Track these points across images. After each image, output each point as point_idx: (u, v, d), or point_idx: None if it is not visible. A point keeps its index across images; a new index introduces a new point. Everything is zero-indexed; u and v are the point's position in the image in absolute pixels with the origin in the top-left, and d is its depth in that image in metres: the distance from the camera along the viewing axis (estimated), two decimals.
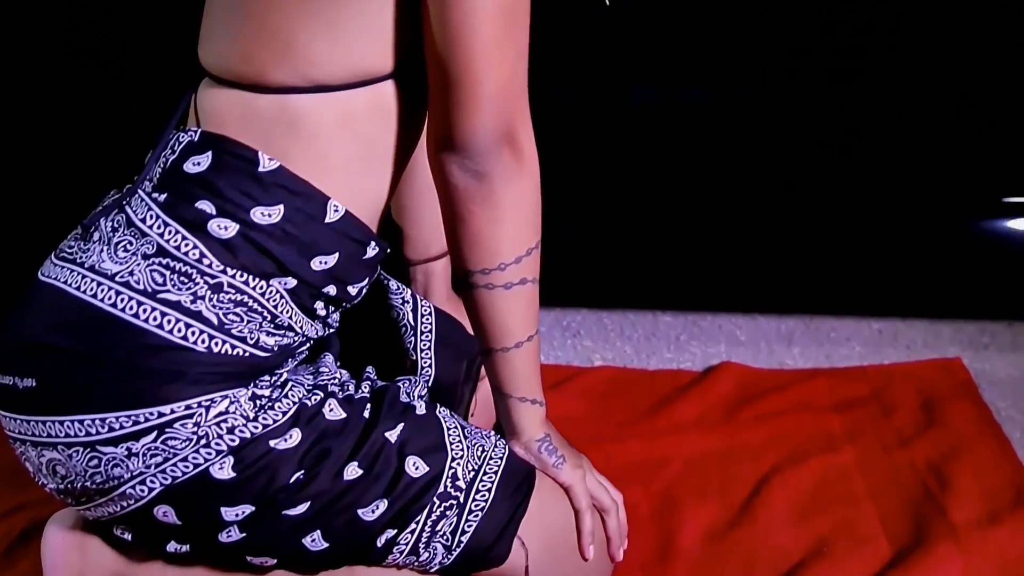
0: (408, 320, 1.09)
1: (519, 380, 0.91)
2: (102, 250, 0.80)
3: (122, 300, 0.77)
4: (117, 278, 0.78)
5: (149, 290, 0.77)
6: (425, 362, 1.05)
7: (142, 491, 0.79)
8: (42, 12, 1.60)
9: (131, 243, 0.79)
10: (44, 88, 1.63)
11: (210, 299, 0.78)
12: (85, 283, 0.79)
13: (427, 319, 1.09)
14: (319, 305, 0.83)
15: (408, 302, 1.09)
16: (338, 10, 0.76)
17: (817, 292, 1.58)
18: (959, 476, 1.14)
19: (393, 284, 1.13)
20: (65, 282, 0.80)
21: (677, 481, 1.18)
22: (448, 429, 0.89)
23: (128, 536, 0.84)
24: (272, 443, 0.80)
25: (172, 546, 0.83)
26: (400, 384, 0.91)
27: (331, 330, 0.87)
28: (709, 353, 1.50)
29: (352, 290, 0.85)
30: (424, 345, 1.08)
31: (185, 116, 0.85)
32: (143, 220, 0.79)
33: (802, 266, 1.58)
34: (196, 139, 0.81)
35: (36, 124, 1.64)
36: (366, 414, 0.86)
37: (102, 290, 0.78)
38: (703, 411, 1.33)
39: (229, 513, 0.80)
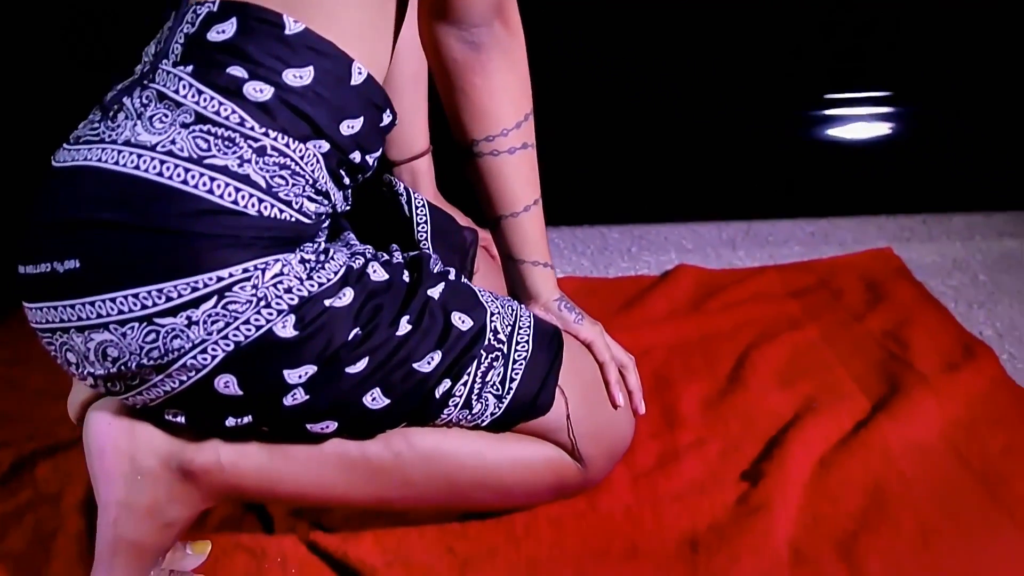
0: (404, 213, 1.11)
1: (530, 244, 0.96)
2: (135, 125, 0.79)
3: (167, 168, 0.77)
4: (159, 148, 0.77)
5: (195, 156, 0.77)
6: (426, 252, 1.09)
7: (204, 360, 0.78)
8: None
9: (166, 115, 0.79)
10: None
11: (256, 162, 0.78)
12: (123, 157, 0.77)
13: (422, 212, 1.12)
14: (343, 172, 0.85)
15: (402, 195, 1.12)
16: None
17: (750, 200, 1.70)
18: (914, 338, 1.27)
19: (386, 178, 1.15)
20: (99, 160, 0.78)
21: (663, 365, 1.26)
22: (479, 291, 0.93)
23: (181, 418, 0.84)
24: (327, 302, 0.81)
25: (231, 421, 0.83)
26: (428, 254, 0.94)
27: (348, 207, 0.89)
28: (662, 260, 1.58)
29: (369, 159, 0.87)
30: (422, 236, 1.11)
31: None
32: (176, 91, 0.79)
33: (733, 175, 1.69)
34: (216, 9, 0.80)
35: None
36: (406, 277, 0.89)
37: (144, 161, 0.77)
38: (672, 307, 1.41)
39: (292, 375, 0.80)
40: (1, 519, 1.01)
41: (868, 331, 1.31)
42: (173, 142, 0.77)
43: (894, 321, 1.32)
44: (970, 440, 1.07)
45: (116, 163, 0.77)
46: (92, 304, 0.77)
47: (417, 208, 1.12)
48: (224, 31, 0.80)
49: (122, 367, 0.79)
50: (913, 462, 1.03)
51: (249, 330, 0.78)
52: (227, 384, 0.80)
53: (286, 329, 0.79)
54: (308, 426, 0.85)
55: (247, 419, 0.83)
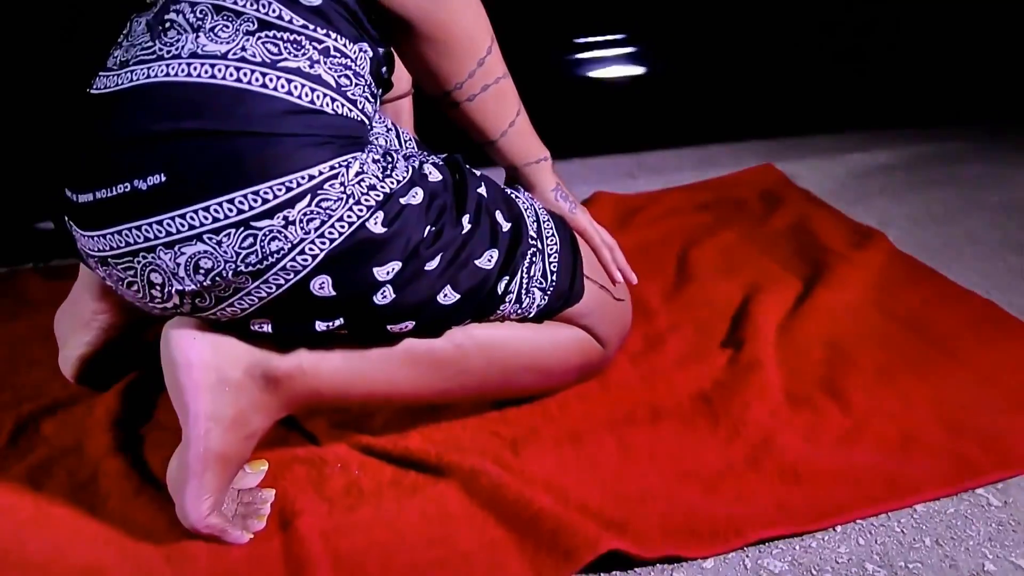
0: (394, 144, 1.17)
1: (522, 150, 1.01)
2: (196, 37, 0.80)
3: (244, 74, 0.79)
4: (230, 56, 0.79)
5: (268, 61, 0.80)
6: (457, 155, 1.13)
7: (304, 261, 0.81)
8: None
9: (227, 25, 0.80)
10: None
11: (324, 63, 0.82)
12: (194, 68, 0.79)
13: (410, 143, 1.18)
14: (378, 82, 0.88)
15: (391, 130, 1.18)
16: None
17: (634, 133, 1.85)
18: (817, 229, 1.46)
19: (377, 114, 1.20)
20: (166, 75, 0.79)
21: None
22: (507, 190, 1.00)
23: (267, 327, 0.85)
24: (403, 200, 0.85)
25: (321, 325, 0.85)
26: (459, 156, 0.99)
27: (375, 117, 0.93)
28: (579, 192, 1.70)
29: (388, 75, 0.91)
30: None
31: None
32: (234, 2, 0.80)
33: (617, 111, 1.84)
34: None
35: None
36: (455, 176, 0.94)
37: (218, 69, 0.79)
38: (603, 226, 1.53)
39: (381, 272, 0.84)
40: (30, 475, 0.98)
41: (776, 229, 1.49)
42: (243, 49, 0.80)
43: (795, 219, 1.51)
44: (892, 298, 1.26)
45: (188, 75, 0.79)
46: (182, 216, 0.78)
47: (405, 142, 1.18)
48: None
49: (216, 278, 0.80)
50: (854, 319, 1.22)
51: (343, 227, 0.81)
52: (322, 285, 0.82)
53: (376, 225, 0.83)
54: (389, 327, 0.88)
55: (338, 321, 0.86)
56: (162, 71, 0.80)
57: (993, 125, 1.89)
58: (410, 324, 0.90)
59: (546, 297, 0.98)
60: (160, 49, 0.81)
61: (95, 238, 0.83)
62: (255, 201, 0.78)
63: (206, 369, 0.85)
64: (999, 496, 0.92)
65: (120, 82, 0.82)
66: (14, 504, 0.94)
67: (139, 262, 0.81)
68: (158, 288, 0.82)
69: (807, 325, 1.19)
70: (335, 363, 0.90)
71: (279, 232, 0.79)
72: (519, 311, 0.98)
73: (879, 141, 1.86)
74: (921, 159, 1.76)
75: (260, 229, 0.79)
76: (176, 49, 0.80)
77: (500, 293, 0.94)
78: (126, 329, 1.08)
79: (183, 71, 0.79)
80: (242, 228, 0.79)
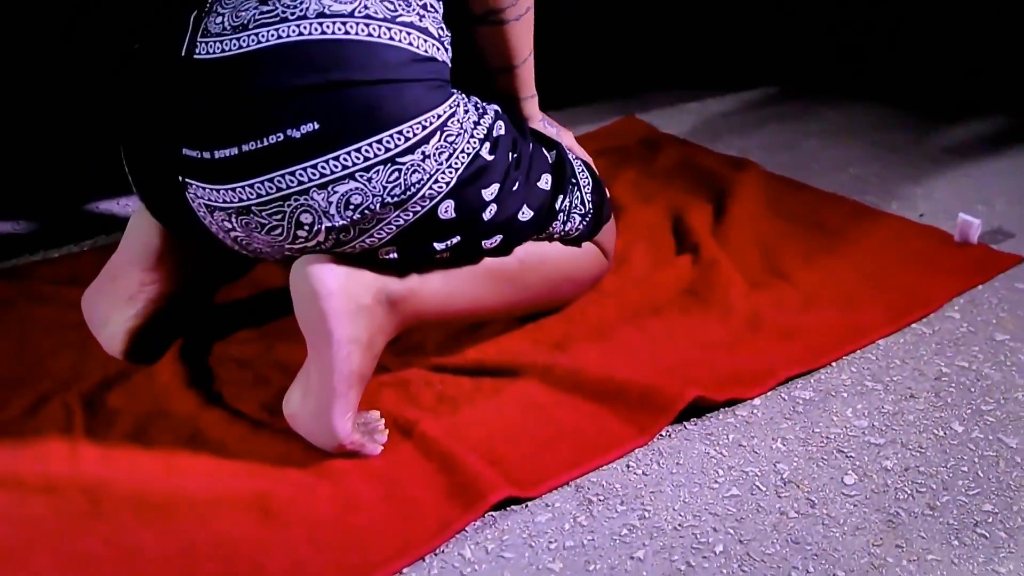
0: None
1: (530, 80, 1.16)
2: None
3: (374, 29, 0.92)
4: (357, 14, 0.92)
5: (388, 17, 0.93)
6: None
7: (438, 188, 0.95)
8: None
9: None
10: None
11: (426, 16, 0.96)
12: (326, 26, 0.90)
13: None
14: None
15: None
16: None
17: None
18: (703, 163, 1.72)
19: None
20: (299, 34, 0.90)
21: None
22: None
23: (393, 255, 0.98)
24: (495, 132, 1.01)
25: (439, 245, 0.99)
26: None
27: None
28: None
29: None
30: None
31: None
32: None
33: None
34: None
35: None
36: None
37: (350, 27, 0.91)
38: None
39: (487, 193, 1.00)
40: (132, 440, 1.02)
41: (666, 166, 1.74)
42: (366, 7, 0.92)
43: (679, 157, 1.77)
44: (783, 206, 1.55)
45: (322, 33, 0.90)
46: (336, 159, 0.90)
47: None
48: None
49: (364, 211, 0.92)
50: (764, 224, 1.48)
51: (464, 157, 0.96)
52: (447, 209, 0.96)
53: (487, 152, 0.99)
54: (484, 243, 1.03)
55: (454, 240, 1.00)
56: (294, 31, 0.90)
57: (797, 75, 2.26)
58: (498, 239, 1.05)
59: (585, 220, 1.16)
60: (283, 12, 0.91)
61: (235, 190, 0.91)
62: (399, 140, 0.91)
63: (346, 297, 0.96)
64: (928, 326, 1.22)
65: (244, 44, 0.91)
66: (141, 462, 0.99)
67: (290, 205, 0.91)
68: (306, 228, 0.92)
69: (733, 232, 1.45)
70: (437, 284, 1.03)
71: (418, 165, 0.93)
72: (563, 231, 1.15)
73: (709, 94, 2.17)
74: (749, 104, 2.10)
75: (403, 164, 0.92)
76: (300, 11, 0.91)
77: (556, 212, 1.11)
78: (172, 298, 1.14)
79: (316, 30, 0.90)
80: (389, 164, 0.91)
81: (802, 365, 1.12)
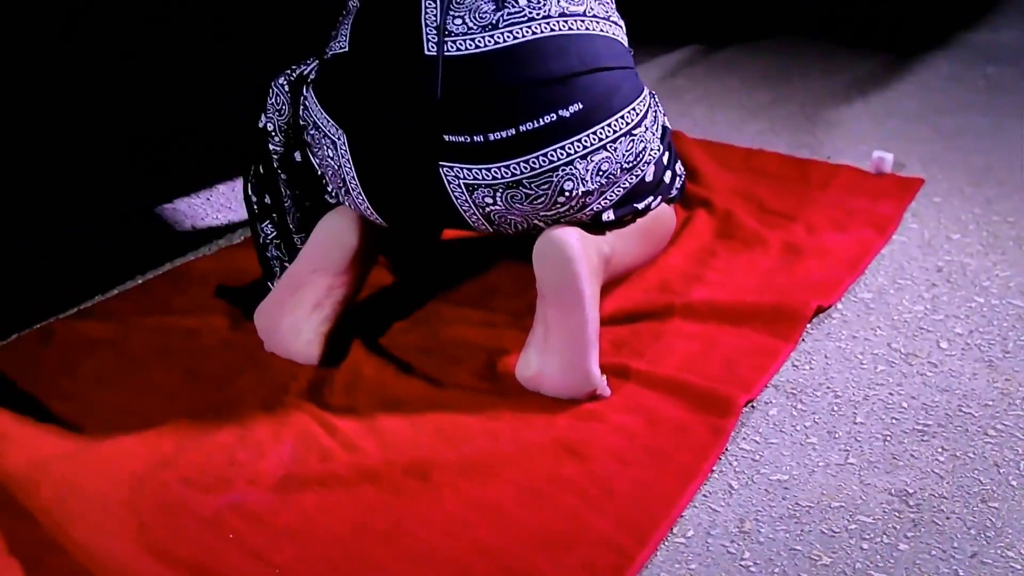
0: None
1: None
2: (557, 1, 1.09)
3: (603, 28, 1.14)
4: (588, 14, 1.12)
5: (604, 15, 1.15)
6: None
7: (653, 153, 1.19)
8: None
9: None
10: None
11: (614, 15, 1.18)
12: (569, 24, 1.09)
13: None
14: None
15: None
16: None
17: None
18: None
19: None
20: (551, 31, 1.08)
21: None
22: None
23: (611, 214, 1.18)
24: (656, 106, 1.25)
25: (640, 204, 1.22)
26: None
27: None
28: None
29: None
30: None
31: None
32: None
33: None
34: None
35: None
36: None
37: (588, 25, 1.11)
38: None
39: (664, 157, 1.25)
40: (377, 427, 1.12)
41: None
42: (591, 8, 1.12)
43: None
44: (726, 161, 1.87)
45: (569, 29, 1.09)
46: (594, 133, 1.09)
47: None
48: None
49: (609, 176, 1.13)
50: (731, 188, 1.80)
51: (659, 129, 1.21)
52: (651, 173, 1.20)
53: (665, 121, 1.24)
54: (652, 203, 1.24)
55: (648, 200, 1.22)
56: (545, 28, 1.08)
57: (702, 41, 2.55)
58: (659, 199, 1.27)
59: (677, 182, 1.39)
60: (530, 12, 1.08)
61: (508, 166, 1.07)
62: (633, 115, 1.13)
63: (588, 259, 1.13)
64: (903, 235, 1.59)
65: (500, 40, 1.07)
66: (421, 442, 1.11)
67: (558, 175, 1.09)
68: (566, 195, 1.11)
69: (716, 188, 1.75)
70: (623, 242, 1.23)
71: (643, 135, 1.16)
72: (668, 195, 1.37)
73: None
74: (667, 66, 2.37)
75: (636, 135, 1.14)
76: (545, 11, 1.09)
77: (676, 175, 1.33)
78: (353, 299, 1.23)
79: (563, 26, 1.09)
80: (628, 136, 1.13)
81: (850, 275, 1.45)
